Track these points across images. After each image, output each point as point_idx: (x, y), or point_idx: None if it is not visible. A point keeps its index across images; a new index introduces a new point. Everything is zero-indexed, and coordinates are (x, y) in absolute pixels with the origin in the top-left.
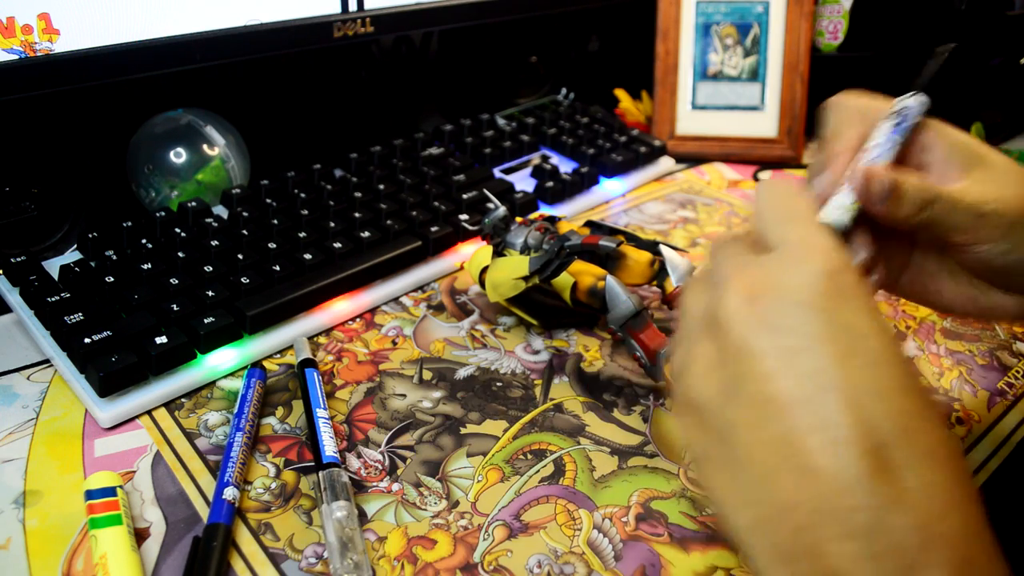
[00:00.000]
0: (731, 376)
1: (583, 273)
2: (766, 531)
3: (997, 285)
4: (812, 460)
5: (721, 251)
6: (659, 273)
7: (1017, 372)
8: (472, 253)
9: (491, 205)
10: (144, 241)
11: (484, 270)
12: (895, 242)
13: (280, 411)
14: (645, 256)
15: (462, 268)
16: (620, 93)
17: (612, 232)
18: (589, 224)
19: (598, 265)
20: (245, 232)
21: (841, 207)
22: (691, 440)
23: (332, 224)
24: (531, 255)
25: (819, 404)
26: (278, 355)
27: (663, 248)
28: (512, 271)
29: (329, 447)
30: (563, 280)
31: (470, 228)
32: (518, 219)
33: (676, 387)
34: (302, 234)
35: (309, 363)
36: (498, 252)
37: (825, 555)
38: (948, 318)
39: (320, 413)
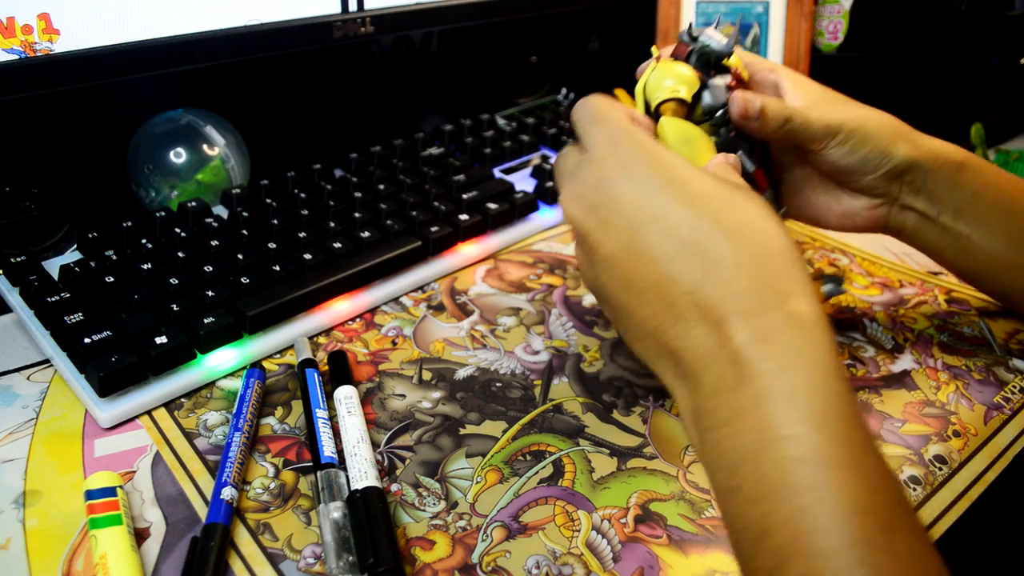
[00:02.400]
0: (588, 260)
1: None
2: (646, 346)
3: (846, 186)
4: (643, 283)
5: (558, 168)
6: None
7: (1013, 387)
8: (666, 66)
9: (720, 38)
10: (144, 241)
11: (669, 102)
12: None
13: (279, 411)
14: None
15: (658, 60)
16: (620, 93)
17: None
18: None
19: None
20: (245, 232)
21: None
22: (603, 310)
23: (332, 224)
24: (707, 126)
25: (634, 244)
26: (278, 355)
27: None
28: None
29: (328, 447)
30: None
31: (682, 39)
32: (728, 82)
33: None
34: (302, 234)
35: (309, 363)
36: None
37: (668, 342)
38: (945, 333)
39: (319, 413)
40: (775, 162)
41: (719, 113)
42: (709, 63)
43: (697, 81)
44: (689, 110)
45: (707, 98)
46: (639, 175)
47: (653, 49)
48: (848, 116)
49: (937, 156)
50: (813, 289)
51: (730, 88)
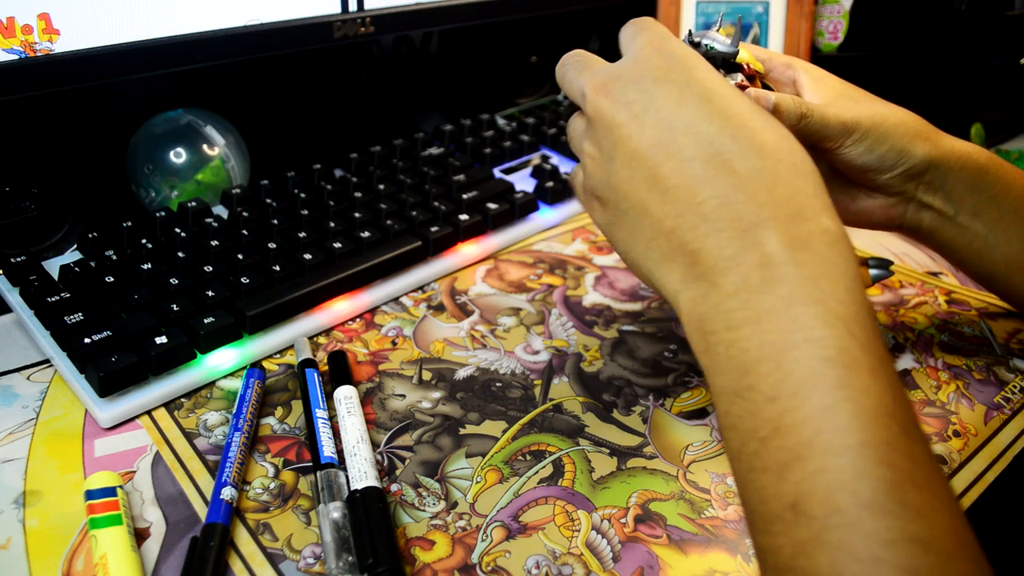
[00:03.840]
0: (607, 155)
1: None
2: (652, 248)
3: (863, 184)
4: (670, 182)
5: (574, 66)
6: None
7: (1014, 387)
8: None
9: (728, 40)
10: (144, 241)
11: None
12: None
13: (279, 411)
14: None
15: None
16: None
17: None
18: None
19: None
20: (245, 232)
21: None
22: (597, 219)
23: (332, 224)
24: None
25: (667, 142)
26: (278, 355)
27: None
28: None
29: (327, 447)
30: None
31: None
32: (739, 81)
33: (580, 189)
34: (302, 234)
35: (309, 363)
36: None
37: (688, 243)
38: (946, 332)
39: (319, 413)
40: None
41: None
42: (717, 65)
43: None
44: None
45: None
46: (682, 80)
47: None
48: (866, 114)
49: (959, 157)
50: (833, 208)
51: (741, 87)
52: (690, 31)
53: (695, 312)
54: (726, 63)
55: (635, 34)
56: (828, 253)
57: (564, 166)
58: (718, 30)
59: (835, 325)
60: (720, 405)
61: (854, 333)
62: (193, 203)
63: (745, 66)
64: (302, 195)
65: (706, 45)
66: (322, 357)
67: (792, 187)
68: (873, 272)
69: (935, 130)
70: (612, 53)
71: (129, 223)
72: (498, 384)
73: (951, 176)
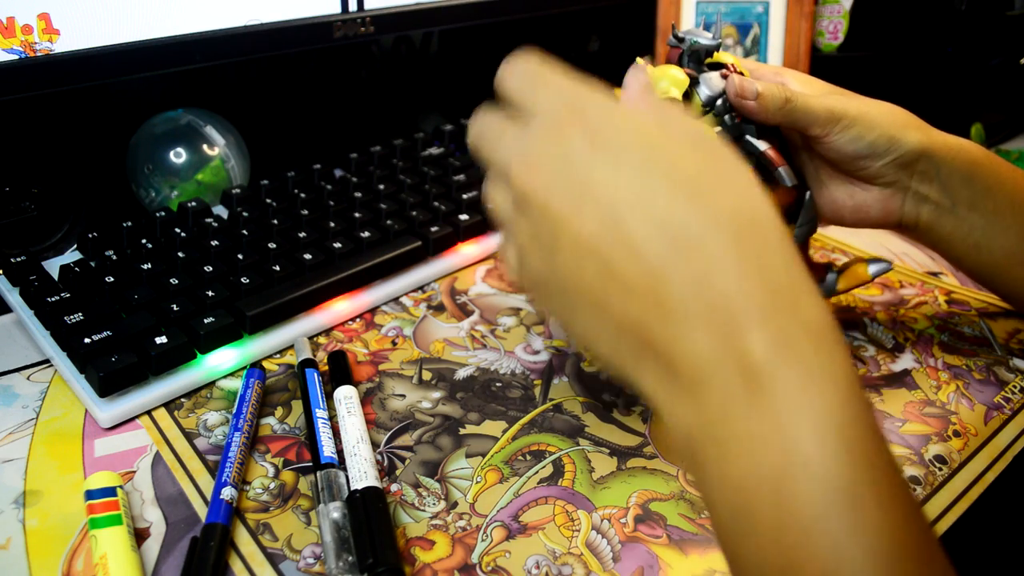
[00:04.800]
0: (546, 245)
1: None
2: (620, 343)
3: (857, 175)
4: (627, 274)
5: (488, 136)
6: (790, 215)
7: (1014, 387)
8: (661, 69)
9: (709, 33)
10: (144, 241)
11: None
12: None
13: (279, 411)
14: (789, 197)
15: (644, 61)
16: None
17: (784, 149)
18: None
19: (763, 177)
20: (245, 232)
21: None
22: (547, 310)
23: (332, 224)
24: (709, 116)
25: (615, 227)
26: (278, 355)
27: (808, 195)
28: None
29: (327, 447)
30: None
31: (671, 42)
32: (724, 62)
33: (517, 275)
34: (302, 234)
35: (309, 363)
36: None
37: (659, 343)
38: (946, 332)
39: (319, 413)
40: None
41: (719, 102)
42: (700, 59)
43: (687, 81)
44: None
45: (704, 91)
46: (614, 146)
47: (638, 59)
48: (853, 104)
49: (951, 148)
50: (815, 285)
51: (724, 76)
52: (673, 26)
53: (678, 425)
54: (710, 57)
55: (533, 87)
56: (815, 352)
57: None
58: (709, 29)
59: (833, 443)
60: (725, 539)
61: (856, 450)
62: (193, 203)
63: (730, 65)
64: (302, 195)
65: (690, 40)
66: (322, 357)
67: (764, 265)
68: (872, 268)
69: (925, 123)
70: (612, 53)
71: (129, 223)
72: (498, 384)
73: (944, 166)
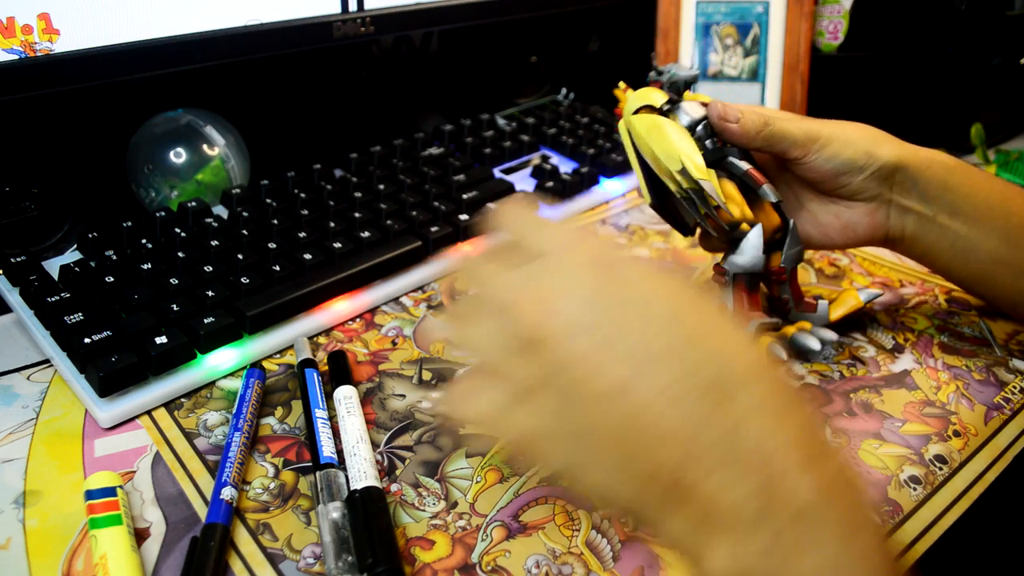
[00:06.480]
0: (563, 395)
1: (730, 199)
2: (647, 493)
3: (839, 194)
4: (661, 425)
5: (483, 277)
6: (774, 243)
7: (1014, 387)
8: (640, 90)
9: (688, 63)
10: (144, 241)
11: (645, 109)
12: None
13: (279, 411)
14: (776, 220)
15: (623, 89)
16: (620, 91)
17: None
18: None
19: (747, 201)
20: (245, 232)
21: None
22: (553, 465)
23: (332, 224)
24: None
25: (643, 376)
26: (278, 355)
27: (792, 223)
28: (684, 155)
29: (327, 448)
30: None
31: (651, 77)
32: (702, 100)
33: (496, 424)
34: (302, 234)
35: (309, 363)
36: (661, 113)
37: (699, 491)
38: (946, 333)
39: (319, 414)
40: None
41: (700, 127)
42: (680, 91)
43: (666, 96)
44: None
45: (683, 118)
46: (639, 297)
47: (620, 83)
48: (828, 125)
49: (924, 158)
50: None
51: (704, 104)
52: (652, 57)
53: (718, 566)
54: (688, 89)
55: (536, 226)
56: (853, 496)
57: (564, 166)
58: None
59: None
60: None
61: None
62: (193, 203)
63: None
64: (302, 195)
65: (669, 73)
66: (322, 357)
67: (798, 417)
68: (864, 295)
69: (896, 138)
70: (612, 53)
71: (129, 223)
72: None
73: (921, 176)
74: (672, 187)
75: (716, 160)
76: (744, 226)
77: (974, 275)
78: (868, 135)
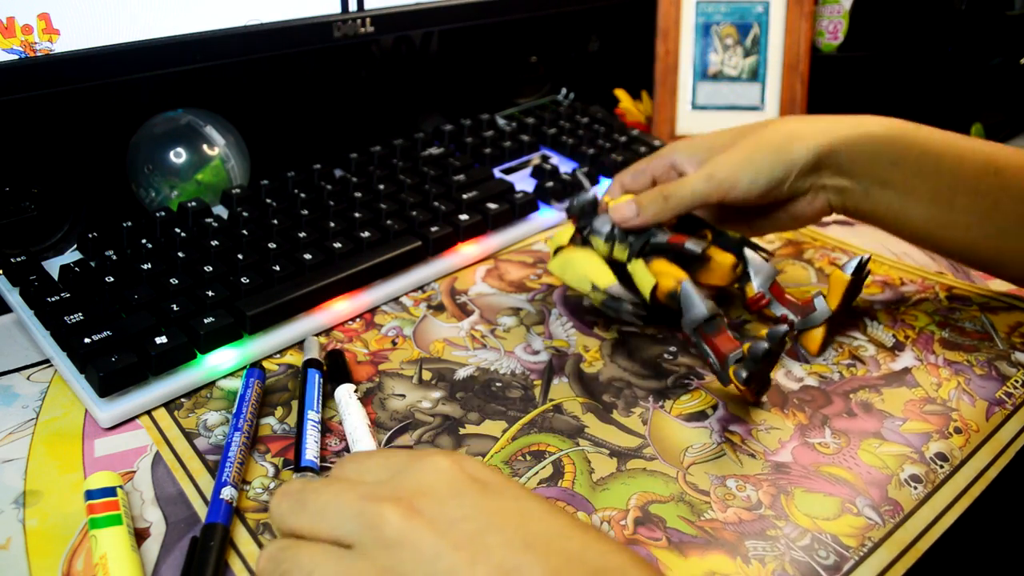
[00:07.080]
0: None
1: (665, 274)
2: None
3: (775, 203)
4: None
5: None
6: (742, 276)
7: (1015, 382)
8: (557, 231)
9: (585, 185)
10: (144, 241)
11: (560, 250)
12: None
13: (279, 411)
14: (729, 259)
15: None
16: (620, 93)
17: (699, 227)
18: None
19: (680, 265)
20: (245, 232)
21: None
22: None
23: (332, 224)
24: (615, 246)
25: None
26: (278, 355)
27: (747, 252)
28: (590, 274)
29: (311, 451)
30: (644, 280)
31: (561, 209)
32: (624, 199)
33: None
34: (302, 234)
35: (313, 363)
36: (583, 237)
37: None
38: (947, 328)
39: (311, 415)
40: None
41: (616, 230)
42: (588, 210)
43: (571, 230)
44: (609, 250)
45: (602, 231)
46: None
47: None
48: (733, 153)
49: (849, 136)
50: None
51: (604, 211)
52: (575, 172)
53: None
54: (595, 206)
55: (411, 457)
56: None
57: (564, 166)
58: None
59: None
60: None
61: None
62: (193, 203)
63: (603, 202)
64: (302, 195)
65: (572, 202)
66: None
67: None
68: (848, 268)
69: (815, 122)
70: (612, 53)
71: (129, 223)
72: (498, 384)
73: (845, 155)
74: (597, 303)
75: (642, 246)
76: (677, 287)
77: (918, 236)
78: (777, 142)
